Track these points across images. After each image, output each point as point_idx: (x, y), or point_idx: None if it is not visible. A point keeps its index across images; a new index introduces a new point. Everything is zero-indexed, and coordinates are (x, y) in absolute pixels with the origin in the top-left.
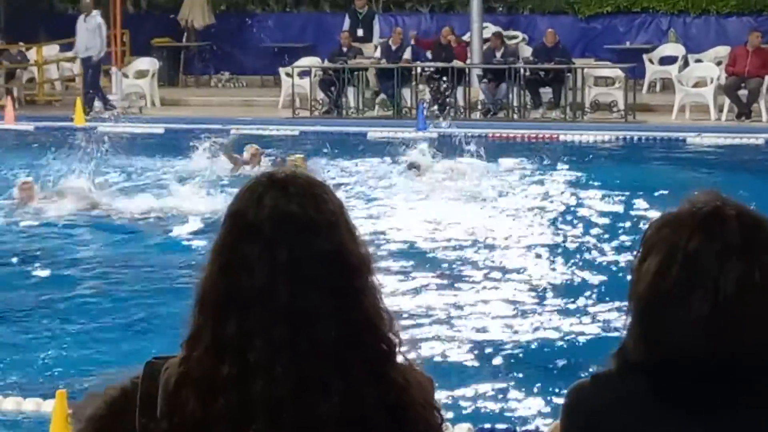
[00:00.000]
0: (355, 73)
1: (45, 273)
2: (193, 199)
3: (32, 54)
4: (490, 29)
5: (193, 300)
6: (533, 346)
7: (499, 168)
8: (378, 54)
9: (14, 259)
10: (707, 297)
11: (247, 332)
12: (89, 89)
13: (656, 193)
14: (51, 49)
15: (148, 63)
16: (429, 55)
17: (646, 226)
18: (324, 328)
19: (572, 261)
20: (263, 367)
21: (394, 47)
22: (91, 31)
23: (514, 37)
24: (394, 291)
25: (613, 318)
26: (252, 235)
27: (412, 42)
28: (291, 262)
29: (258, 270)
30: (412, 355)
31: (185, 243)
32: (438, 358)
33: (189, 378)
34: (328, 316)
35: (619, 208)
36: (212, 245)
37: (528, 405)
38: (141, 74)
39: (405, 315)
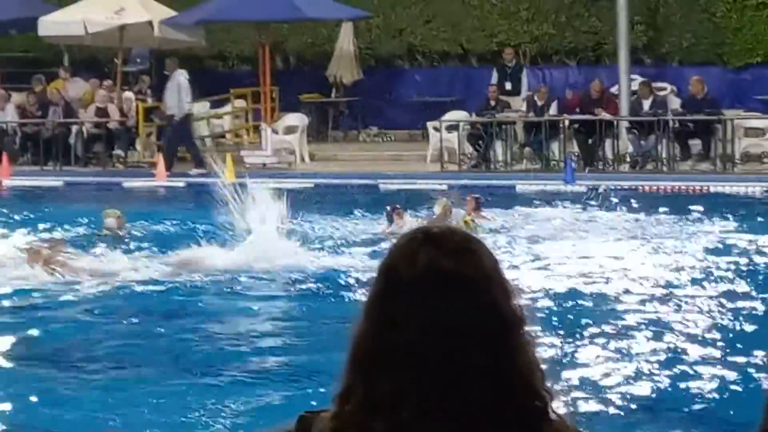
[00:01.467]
0: (503, 126)
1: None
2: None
3: None
4: (638, 81)
5: (346, 355)
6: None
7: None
8: (525, 108)
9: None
10: None
11: (399, 390)
12: (171, 147)
13: None
14: (202, 106)
15: (297, 119)
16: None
17: None
18: (477, 385)
19: (728, 315)
20: (416, 426)
21: (540, 102)
22: (172, 91)
23: (663, 89)
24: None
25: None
26: (404, 291)
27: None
28: (443, 319)
29: (411, 328)
30: (562, 410)
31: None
32: (587, 413)
33: None
34: (482, 374)
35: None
36: (365, 300)
37: None
38: (290, 130)
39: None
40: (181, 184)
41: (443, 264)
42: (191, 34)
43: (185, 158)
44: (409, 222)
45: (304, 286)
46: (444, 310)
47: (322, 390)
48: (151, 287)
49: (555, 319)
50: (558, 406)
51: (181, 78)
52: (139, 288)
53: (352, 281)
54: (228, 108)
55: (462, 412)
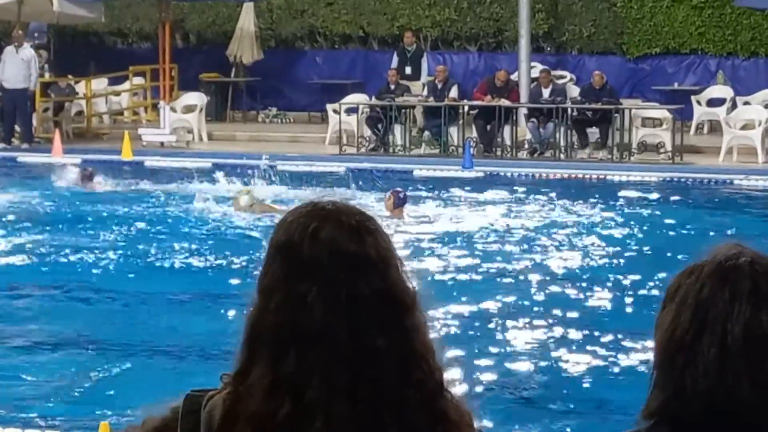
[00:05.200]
0: (403, 110)
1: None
2: None
3: (81, 87)
4: (538, 68)
5: (242, 334)
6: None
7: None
8: (425, 92)
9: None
10: (715, 343)
11: (306, 371)
12: (27, 120)
13: (700, 236)
14: (100, 83)
15: (196, 98)
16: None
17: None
18: (381, 366)
19: (608, 299)
20: (322, 407)
21: (439, 85)
22: (21, 64)
23: (562, 77)
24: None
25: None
26: (308, 272)
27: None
28: (349, 301)
29: (317, 309)
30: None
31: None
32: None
33: (240, 414)
34: (384, 355)
35: (663, 250)
36: (260, 279)
37: None
38: (189, 109)
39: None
40: (78, 161)
41: (347, 244)
42: (91, 9)
43: (83, 134)
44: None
45: None
46: (348, 291)
47: None
48: None
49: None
50: (450, 386)
51: (27, 51)
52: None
53: None
54: (126, 85)
55: (365, 391)
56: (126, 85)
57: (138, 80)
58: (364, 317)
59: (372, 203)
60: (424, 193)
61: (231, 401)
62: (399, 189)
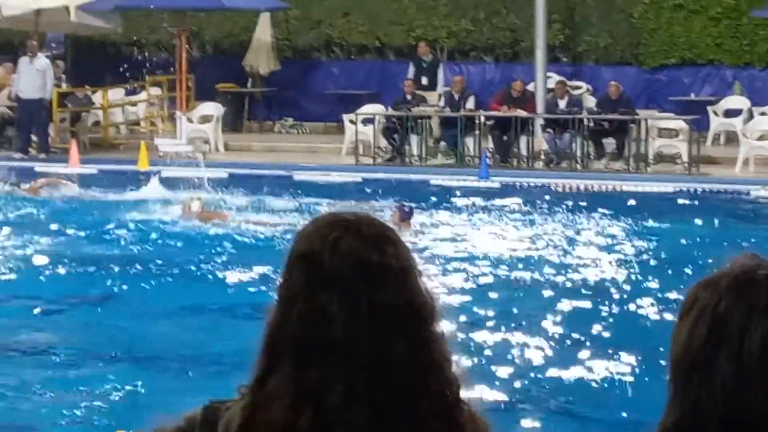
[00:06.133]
0: (419, 120)
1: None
2: None
3: (98, 97)
4: (554, 79)
5: (261, 343)
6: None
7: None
8: (441, 102)
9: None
10: (731, 357)
11: (326, 380)
12: (42, 129)
13: (717, 247)
14: (116, 93)
15: (212, 108)
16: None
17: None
18: (399, 376)
19: (624, 311)
20: (342, 416)
21: (456, 95)
22: (35, 74)
23: (578, 87)
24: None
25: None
26: (329, 282)
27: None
28: (370, 311)
29: (338, 318)
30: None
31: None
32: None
33: (259, 422)
34: (403, 365)
35: (679, 261)
36: (281, 288)
37: None
38: (205, 119)
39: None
40: (94, 171)
41: (368, 255)
42: (108, 20)
43: (101, 144)
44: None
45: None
46: (369, 300)
47: None
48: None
49: (466, 312)
50: (467, 396)
51: (43, 61)
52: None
53: None
54: (143, 95)
55: (385, 400)
56: (143, 96)
57: (155, 90)
58: (383, 327)
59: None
60: (439, 204)
61: (249, 410)
62: (404, 203)
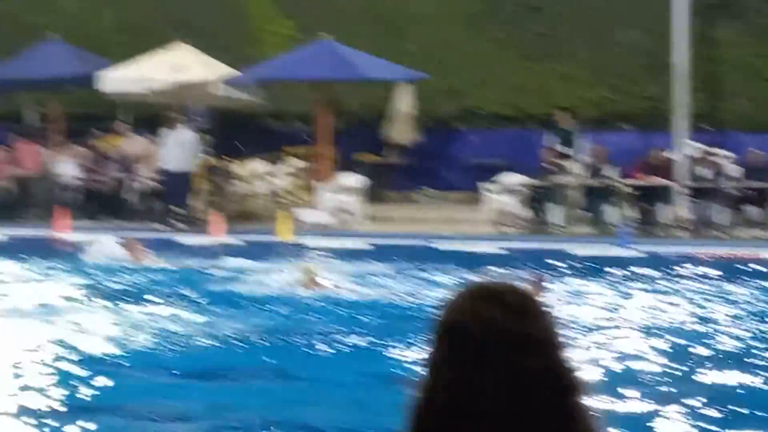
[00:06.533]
0: (558, 189)
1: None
2: None
3: (240, 169)
4: (696, 147)
5: (409, 414)
6: None
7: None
8: (581, 171)
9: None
10: None
11: None
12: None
13: None
14: (259, 164)
15: (353, 178)
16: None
17: None
18: None
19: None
20: None
21: (595, 164)
22: (175, 145)
23: (720, 155)
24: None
25: None
26: (474, 352)
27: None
28: (515, 383)
29: (484, 390)
30: None
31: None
32: None
33: None
34: None
35: None
36: (428, 358)
37: None
38: (346, 190)
39: None
40: (239, 242)
41: (514, 326)
42: (251, 92)
43: (245, 215)
44: None
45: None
46: (516, 372)
47: None
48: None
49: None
50: None
51: (187, 134)
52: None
53: None
54: (285, 167)
55: None
56: (285, 167)
57: (296, 161)
58: (527, 398)
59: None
60: (580, 273)
61: None
62: (540, 272)
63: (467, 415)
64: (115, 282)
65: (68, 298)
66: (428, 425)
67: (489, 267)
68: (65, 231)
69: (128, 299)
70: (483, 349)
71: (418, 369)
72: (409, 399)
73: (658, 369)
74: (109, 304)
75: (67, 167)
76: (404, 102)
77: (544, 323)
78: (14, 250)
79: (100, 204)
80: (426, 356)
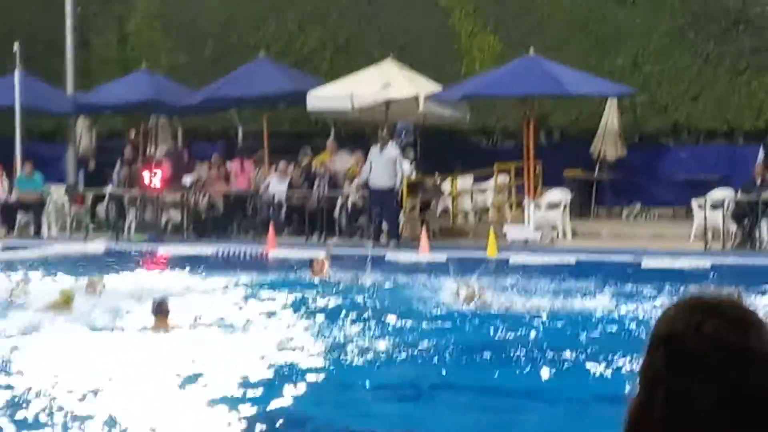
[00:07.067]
0: None
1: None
2: None
3: (447, 185)
4: None
5: (623, 426)
6: None
7: None
8: None
9: None
10: None
11: None
12: (391, 218)
13: None
14: (465, 181)
15: (560, 194)
16: None
17: None
18: None
19: None
20: None
21: None
22: (387, 163)
23: None
24: None
25: None
26: (692, 366)
27: None
28: (733, 397)
29: (702, 404)
30: None
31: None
32: None
33: None
34: None
35: None
36: (643, 371)
37: None
38: (553, 205)
39: None
40: (443, 258)
41: (731, 338)
42: (456, 109)
43: (450, 232)
44: None
45: None
46: (734, 385)
47: None
48: None
49: None
50: None
51: (394, 150)
52: None
53: None
54: (491, 183)
55: None
56: (491, 183)
57: (503, 177)
58: (747, 413)
59: None
60: None
61: None
62: (739, 290)
63: (684, 430)
64: (322, 298)
65: (271, 314)
66: None
67: (697, 284)
68: (275, 248)
69: (335, 315)
70: (702, 361)
71: (627, 383)
72: (623, 414)
73: None
74: (317, 318)
75: (277, 184)
76: (611, 117)
77: (764, 336)
78: (225, 266)
79: (308, 221)
80: (640, 370)
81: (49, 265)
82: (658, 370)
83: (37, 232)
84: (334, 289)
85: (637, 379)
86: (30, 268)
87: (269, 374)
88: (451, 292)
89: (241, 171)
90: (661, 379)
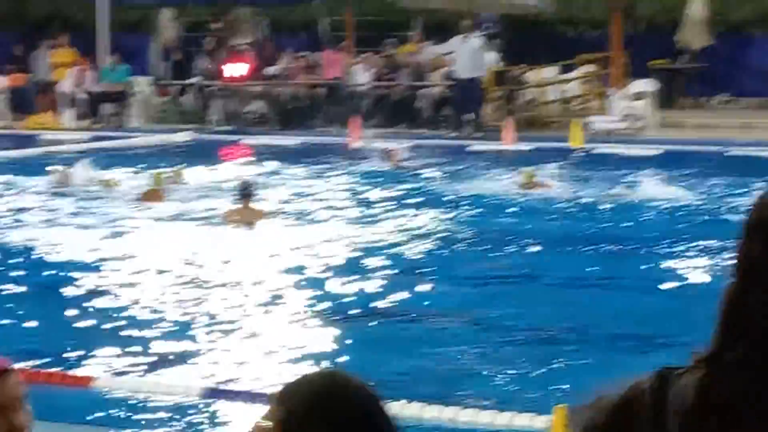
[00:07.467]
0: None
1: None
2: None
3: (532, 75)
4: None
5: (718, 316)
6: None
7: None
8: None
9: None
10: None
11: None
12: (460, 108)
13: None
14: (550, 71)
15: (646, 85)
16: None
17: None
18: None
19: None
20: None
21: None
22: (466, 53)
23: None
24: None
25: None
26: None
27: None
28: None
29: None
30: None
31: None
32: None
33: (713, 400)
34: None
35: None
36: (739, 258)
37: None
38: (638, 96)
39: None
40: (527, 149)
41: None
42: None
43: (534, 122)
44: None
45: None
46: None
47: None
48: None
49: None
50: None
51: (478, 41)
52: None
53: None
54: (576, 73)
55: None
56: (576, 73)
57: (588, 68)
58: None
59: None
60: None
61: (705, 385)
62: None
63: None
64: (393, 187)
65: (346, 201)
66: (740, 328)
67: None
68: (359, 138)
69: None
70: None
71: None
72: (716, 305)
73: None
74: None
75: (362, 75)
76: (698, 7)
77: None
78: (308, 155)
79: (393, 112)
80: (736, 257)
81: (135, 157)
82: (756, 256)
83: (122, 124)
84: (409, 179)
85: (734, 266)
86: (115, 159)
87: (353, 256)
88: (522, 182)
89: (330, 61)
90: (759, 266)
